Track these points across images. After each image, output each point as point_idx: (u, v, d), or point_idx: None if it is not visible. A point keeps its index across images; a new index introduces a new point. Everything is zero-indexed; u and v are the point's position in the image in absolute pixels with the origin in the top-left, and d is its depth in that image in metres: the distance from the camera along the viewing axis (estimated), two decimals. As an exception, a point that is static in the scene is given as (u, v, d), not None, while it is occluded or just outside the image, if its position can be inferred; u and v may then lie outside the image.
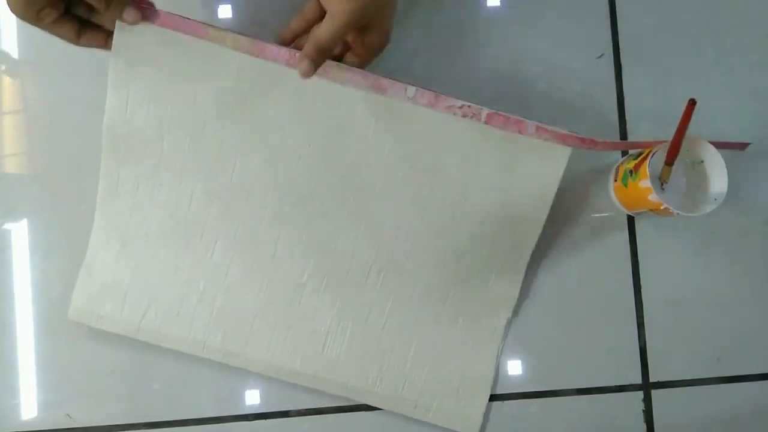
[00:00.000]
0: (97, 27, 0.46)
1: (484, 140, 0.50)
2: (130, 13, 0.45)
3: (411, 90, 0.49)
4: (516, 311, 0.55)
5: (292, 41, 0.49)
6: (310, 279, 0.53)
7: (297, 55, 0.46)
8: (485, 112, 0.49)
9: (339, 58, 0.49)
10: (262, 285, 0.53)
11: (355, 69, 0.48)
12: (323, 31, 0.43)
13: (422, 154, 0.51)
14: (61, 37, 0.45)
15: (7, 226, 0.55)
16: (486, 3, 0.57)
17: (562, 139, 0.49)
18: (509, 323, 0.54)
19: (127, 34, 0.47)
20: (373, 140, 0.50)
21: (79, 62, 0.54)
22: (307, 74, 0.44)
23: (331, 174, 0.51)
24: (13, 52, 0.57)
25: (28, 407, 0.54)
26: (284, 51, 0.47)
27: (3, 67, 0.57)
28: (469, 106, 0.49)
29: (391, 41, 0.49)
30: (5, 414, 0.54)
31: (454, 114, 0.49)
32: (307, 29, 0.48)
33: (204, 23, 0.48)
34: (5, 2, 0.40)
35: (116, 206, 0.53)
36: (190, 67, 0.49)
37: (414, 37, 0.56)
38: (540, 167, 0.50)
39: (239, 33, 0.48)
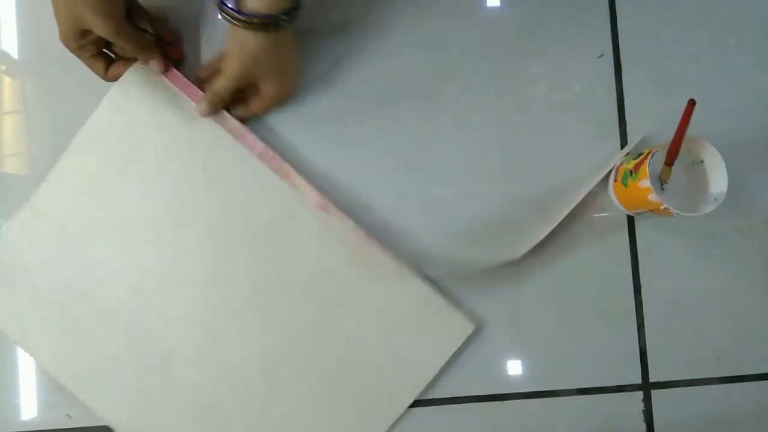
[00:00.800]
0: (124, 61, 0.53)
1: (401, 291, 0.53)
2: (155, 66, 0.52)
3: (350, 222, 0.53)
4: (514, 311, 0.55)
5: (200, 82, 0.55)
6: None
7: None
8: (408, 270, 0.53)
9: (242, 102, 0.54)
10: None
11: (310, 184, 0.53)
12: (217, 82, 0.52)
13: (340, 279, 0.53)
14: (93, 70, 0.52)
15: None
16: (486, 3, 0.57)
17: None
18: None
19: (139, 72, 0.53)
20: (302, 249, 0.53)
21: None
22: (204, 113, 0.53)
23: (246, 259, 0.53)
24: (13, 52, 0.57)
25: (28, 407, 0.54)
26: (260, 145, 0.54)
27: (3, 67, 0.57)
28: (396, 263, 0.53)
29: (296, 92, 0.55)
30: (5, 414, 0.54)
31: (384, 258, 0.53)
32: (214, 76, 0.53)
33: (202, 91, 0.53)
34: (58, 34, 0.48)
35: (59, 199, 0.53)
36: (177, 120, 0.53)
37: (412, 37, 0.56)
38: (440, 334, 0.53)
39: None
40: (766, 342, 0.55)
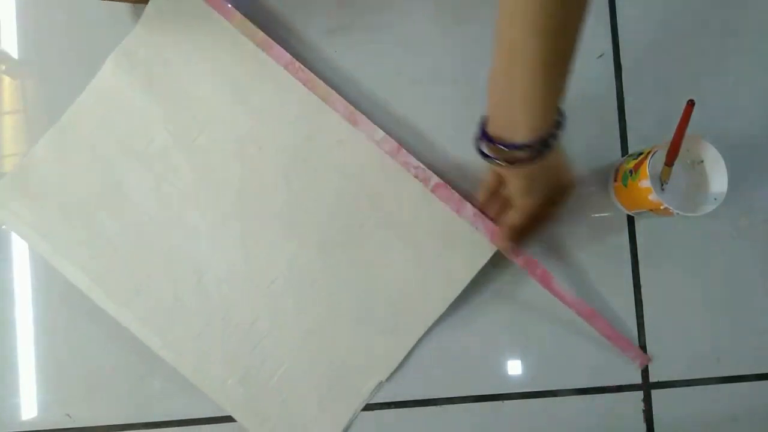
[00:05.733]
0: None
1: (423, 205, 0.52)
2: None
3: (380, 133, 0.52)
4: (514, 311, 0.55)
5: (484, 210, 0.52)
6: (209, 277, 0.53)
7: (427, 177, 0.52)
8: (434, 181, 0.52)
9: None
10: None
11: (337, 95, 0.53)
12: (514, 220, 0.47)
13: (366, 193, 0.53)
14: None
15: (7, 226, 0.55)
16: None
17: (491, 235, 0.52)
18: (380, 386, 0.54)
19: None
20: (328, 161, 0.53)
21: (79, 63, 0.54)
22: (507, 251, 0.51)
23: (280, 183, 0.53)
24: (13, 52, 0.57)
25: (28, 407, 0.54)
26: (287, 55, 0.53)
27: (3, 67, 0.57)
28: (423, 170, 0.52)
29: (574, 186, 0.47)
30: (5, 414, 0.54)
31: (408, 170, 0.52)
32: (492, 196, 0.50)
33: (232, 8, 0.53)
34: None
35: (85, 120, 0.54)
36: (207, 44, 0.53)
37: (411, 36, 0.56)
38: (463, 254, 0.53)
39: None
40: (766, 342, 0.55)
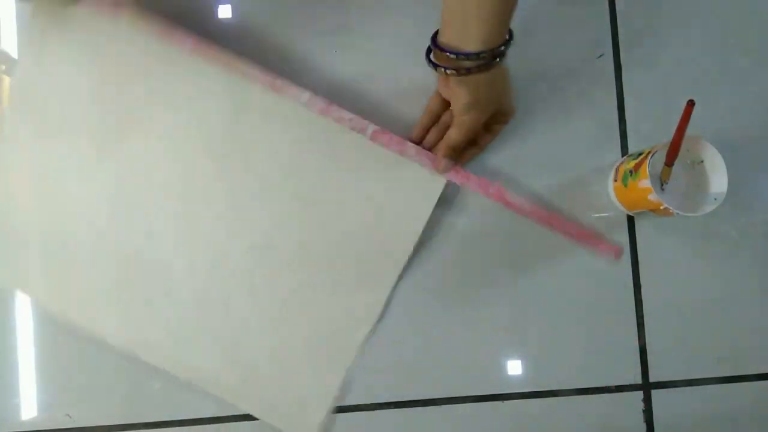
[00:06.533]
0: None
1: (366, 155, 0.53)
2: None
3: (305, 95, 0.52)
4: (514, 311, 0.55)
5: (424, 136, 0.54)
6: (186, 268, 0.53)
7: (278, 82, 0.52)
8: (371, 128, 0.52)
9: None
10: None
11: (255, 66, 0.51)
12: (454, 138, 0.50)
13: (306, 157, 0.53)
14: None
15: (7, 226, 0.55)
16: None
17: (434, 164, 0.52)
18: (367, 339, 0.54)
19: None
20: (261, 136, 0.53)
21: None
22: (446, 170, 0.52)
23: (217, 163, 0.53)
24: (13, 52, 0.57)
25: (28, 407, 0.54)
26: (190, 39, 0.51)
27: (3, 67, 0.57)
28: (358, 120, 0.52)
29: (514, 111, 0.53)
30: (5, 414, 0.54)
31: (341, 123, 0.52)
32: (435, 122, 0.53)
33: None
34: None
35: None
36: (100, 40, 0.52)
37: (409, 36, 0.56)
38: (415, 192, 0.53)
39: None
40: (766, 342, 0.55)
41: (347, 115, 0.52)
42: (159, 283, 0.53)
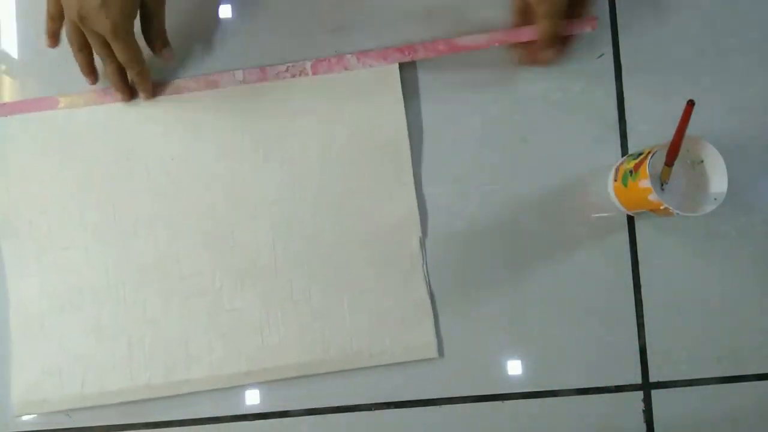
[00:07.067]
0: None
1: (319, 89, 0.55)
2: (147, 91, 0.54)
3: (239, 74, 0.55)
4: (514, 311, 0.55)
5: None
6: (224, 282, 0.54)
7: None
8: (308, 63, 0.55)
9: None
10: (181, 307, 0.53)
11: (188, 79, 0.55)
12: (547, 25, 0.51)
13: (270, 123, 0.55)
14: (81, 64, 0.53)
15: (7, 226, 0.55)
16: (486, 3, 0.57)
17: (384, 57, 0.54)
18: (422, 242, 0.54)
19: None
20: (231, 132, 0.55)
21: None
22: (554, 57, 0.54)
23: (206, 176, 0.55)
24: (13, 52, 0.57)
25: (28, 407, 0.54)
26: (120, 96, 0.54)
27: (3, 67, 0.57)
28: (293, 65, 0.54)
29: None
30: (5, 414, 0.54)
31: (284, 78, 0.54)
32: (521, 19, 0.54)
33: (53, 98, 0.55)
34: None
35: (25, 289, 0.54)
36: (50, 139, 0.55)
37: (408, 35, 0.56)
38: (379, 91, 0.55)
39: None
40: (766, 342, 0.55)
41: (282, 67, 0.55)
42: (210, 298, 0.54)
